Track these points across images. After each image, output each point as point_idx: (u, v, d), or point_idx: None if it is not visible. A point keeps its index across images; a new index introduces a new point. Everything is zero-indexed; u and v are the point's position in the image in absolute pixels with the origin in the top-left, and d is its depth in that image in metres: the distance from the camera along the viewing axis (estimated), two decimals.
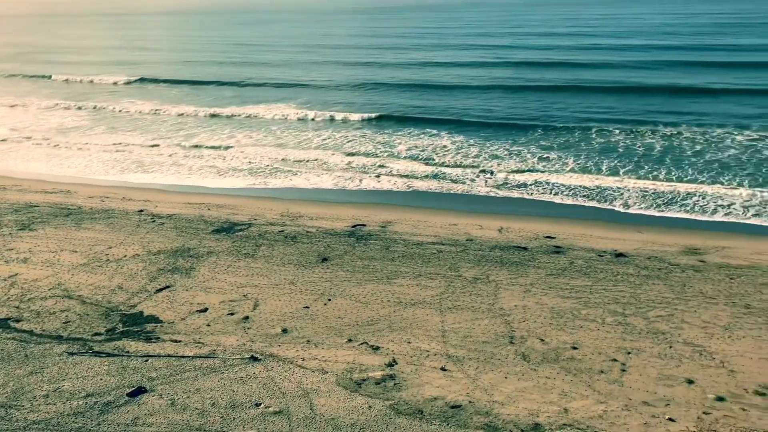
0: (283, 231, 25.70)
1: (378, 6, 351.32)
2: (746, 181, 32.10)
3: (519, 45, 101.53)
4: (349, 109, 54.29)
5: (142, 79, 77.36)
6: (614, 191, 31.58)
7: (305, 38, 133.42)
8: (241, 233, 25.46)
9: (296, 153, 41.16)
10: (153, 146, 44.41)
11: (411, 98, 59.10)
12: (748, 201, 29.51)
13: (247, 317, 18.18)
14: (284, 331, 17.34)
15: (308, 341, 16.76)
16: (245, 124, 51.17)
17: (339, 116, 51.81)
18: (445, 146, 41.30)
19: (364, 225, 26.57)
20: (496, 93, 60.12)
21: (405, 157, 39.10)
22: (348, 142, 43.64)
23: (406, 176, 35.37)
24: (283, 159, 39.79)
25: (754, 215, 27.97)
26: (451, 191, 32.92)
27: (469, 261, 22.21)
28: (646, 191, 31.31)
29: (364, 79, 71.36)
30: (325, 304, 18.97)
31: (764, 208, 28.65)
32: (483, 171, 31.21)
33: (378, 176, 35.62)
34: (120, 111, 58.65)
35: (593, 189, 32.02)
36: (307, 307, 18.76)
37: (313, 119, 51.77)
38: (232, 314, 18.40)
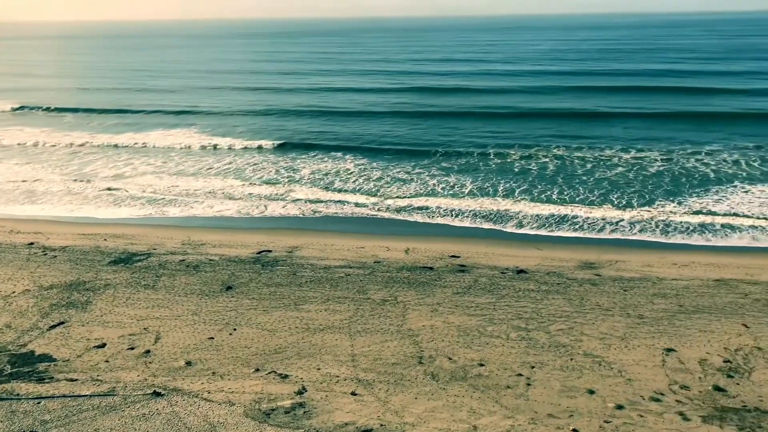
0: (184, 260, 24.97)
1: (273, 30, 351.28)
2: (634, 199, 33.99)
3: (417, 71, 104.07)
4: (251, 135, 53.74)
5: (31, 107, 73.51)
6: (510, 212, 32.63)
7: (202, 63, 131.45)
8: (140, 264, 24.54)
9: (197, 180, 40.24)
10: (43, 176, 42.22)
11: (313, 124, 59.23)
12: (635, 217, 31.24)
13: (148, 351, 17.48)
14: (188, 363, 16.79)
15: (214, 373, 16.29)
16: (142, 152, 49.59)
17: (240, 142, 51.09)
18: (348, 170, 41.53)
19: (270, 251, 26.22)
20: (397, 118, 61.25)
21: (309, 182, 39.01)
22: (251, 167, 43.10)
23: (312, 201, 35.24)
24: (183, 186, 38.77)
25: (641, 231, 29.63)
26: (357, 215, 33.06)
27: (377, 283, 22.31)
28: (541, 212, 32.52)
29: (265, 104, 70.92)
30: (231, 334, 18.52)
31: (649, 223, 30.41)
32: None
33: (283, 201, 35.32)
34: (4, 139, 55.35)
35: (490, 210, 32.95)
36: (212, 338, 18.26)
37: (214, 146, 50.76)
38: (132, 348, 17.65)
